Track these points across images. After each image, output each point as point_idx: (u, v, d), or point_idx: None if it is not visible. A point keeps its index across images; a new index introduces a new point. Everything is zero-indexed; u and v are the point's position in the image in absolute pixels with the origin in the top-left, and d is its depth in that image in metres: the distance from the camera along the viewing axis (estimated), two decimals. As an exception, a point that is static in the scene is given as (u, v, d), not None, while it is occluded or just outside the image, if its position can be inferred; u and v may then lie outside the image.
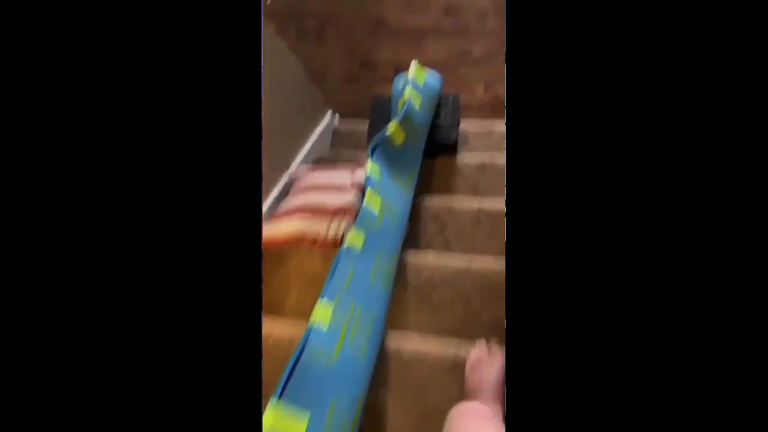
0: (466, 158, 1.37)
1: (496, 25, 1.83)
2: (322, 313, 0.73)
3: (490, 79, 1.77)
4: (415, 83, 1.18)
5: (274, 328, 0.88)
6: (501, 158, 1.36)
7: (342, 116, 1.79)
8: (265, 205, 1.20)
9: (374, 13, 2.00)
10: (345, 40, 2.00)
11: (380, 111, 1.34)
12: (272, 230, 0.96)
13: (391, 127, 1.05)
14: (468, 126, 1.57)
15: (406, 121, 1.09)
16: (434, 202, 1.19)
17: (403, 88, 1.18)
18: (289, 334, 0.85)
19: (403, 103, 1.13)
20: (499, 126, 1.56)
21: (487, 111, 1.75)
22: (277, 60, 1.26)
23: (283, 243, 0.95)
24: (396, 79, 1.30)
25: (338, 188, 1.00)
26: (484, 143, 1.53)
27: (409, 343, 0.85)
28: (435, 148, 1.33)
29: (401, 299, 0.96)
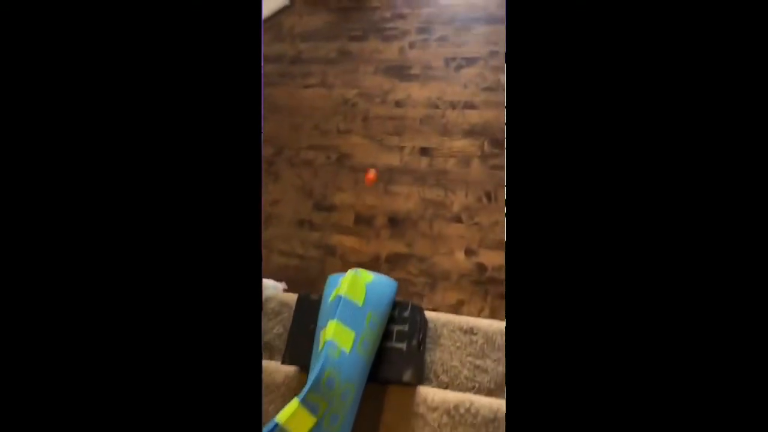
0: (431, 394, 0.90)
1: (481, 174, 1.50)
2: None
3: (474, 243, 1.39)
4: (349, 307, 0.75)
5: None
6: (485, 398, 0.90)
7: (283, 274, 1.37)
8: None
9: (337, 148, 1.69)
10: (300, 176, 1.66)
11: (303, 319, 0.90)
12: None
13: (287, 413, 0.59)
14: (439, 317, 1.13)
15: (321, 391, 0.64)
16: None
17: (329, 314, 0.75)
18: None
19: (324, 345, 0.69)
20: (487, 323, 1.12)
21: (468, 286, 1.33)
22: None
23: None
24: (329, 281, 0.87)
25: None
26: (462, 350, 1.08)
27: None
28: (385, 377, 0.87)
29: None
